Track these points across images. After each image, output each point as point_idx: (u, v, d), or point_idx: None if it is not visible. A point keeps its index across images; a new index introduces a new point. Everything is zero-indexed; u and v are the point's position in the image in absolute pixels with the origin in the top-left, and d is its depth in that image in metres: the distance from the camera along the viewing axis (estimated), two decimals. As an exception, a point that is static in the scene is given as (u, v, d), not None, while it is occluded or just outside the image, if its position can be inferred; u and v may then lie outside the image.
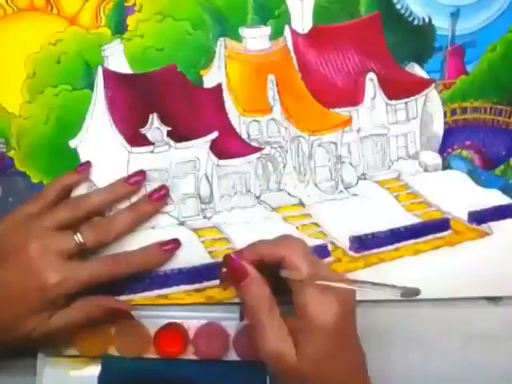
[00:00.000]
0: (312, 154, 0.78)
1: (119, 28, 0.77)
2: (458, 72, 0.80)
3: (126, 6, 0.77)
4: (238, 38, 0.78)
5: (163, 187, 0.76)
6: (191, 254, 0.76)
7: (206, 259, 0.76)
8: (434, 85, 0.79)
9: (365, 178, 0.79)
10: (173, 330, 0.75)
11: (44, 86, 0.76)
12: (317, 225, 0.78)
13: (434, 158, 0.80)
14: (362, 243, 0.78)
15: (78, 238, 0.70)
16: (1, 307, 0.69)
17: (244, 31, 0.78)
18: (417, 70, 0.79)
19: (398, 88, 0.79)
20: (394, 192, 0.80)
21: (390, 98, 0.79)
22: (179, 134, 0.77)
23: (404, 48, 0.79)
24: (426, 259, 0.78)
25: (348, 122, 0.79)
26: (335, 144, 0.78)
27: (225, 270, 0.70)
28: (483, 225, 0.79)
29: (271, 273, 0.67)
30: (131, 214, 0.74)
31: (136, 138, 0.76)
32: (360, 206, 0.79)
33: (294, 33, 0.78)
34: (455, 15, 0.79)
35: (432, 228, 0.79)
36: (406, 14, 0.79)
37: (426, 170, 0.80)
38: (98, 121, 0.76)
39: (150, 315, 0.76)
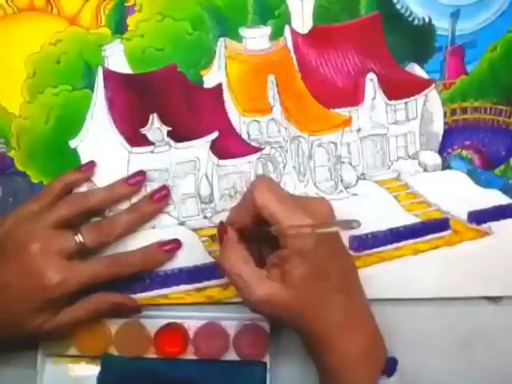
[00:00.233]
0: (312, 153, 0.78)
1: (119, 28, 0.77)
2: (457, 72, 0.79)
3: (126, 6, 0.77)
4: (238, 38, 0.78)
5: (164, 188, 0.76)
6: (191, 254, 0.76)
7: (206, 259, 0.77)
8: (433, 85, 0.79)
9: (364, 178, 0.79)
10: (173, 330, 0.75)
11: (44, 86, 0.76)
12: (317, 225, 0.78)
13: (433, 158, 0.80)
14: (362, 243, 0.78)
15: (79, 238, 0.71)
16: (3, 307, 0.69)
17: (244, 31, 0.78)
18: (417, 70, 0.79)
19: (398, 88, 0.79)
20: (393, 192, 0.80)
21: (390, 98, 0.79)
22: (179, 134, 0.77)
23: (404, 48, 0.79)
24: (425, 259, 0.78)
25: (348, 122, 0.79)
26: (335, 144, 0.78)
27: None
28: (483, 225, 0.79)
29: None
30: (132, 215, 0.74)
31: (136, 138, 0.76)
32: (360, 206, 0.78)
33: (294, 33, 0.78)
34: (455, 15, 0.79)
35: (432, 228, 0.79)
36: (406, 14, 0.79)
37: (425, 170, 0.80)
38: (98, 121, 0.76)
39: (150, 315, 0.76)
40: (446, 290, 0.77)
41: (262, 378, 0.74)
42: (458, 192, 0.79)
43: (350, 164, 0.79)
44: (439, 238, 0.79)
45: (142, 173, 0.76)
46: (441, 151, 0.80)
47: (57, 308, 0.70)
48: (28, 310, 0.69)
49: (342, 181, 0.79)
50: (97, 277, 0.71)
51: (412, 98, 0.80)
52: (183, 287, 0.76)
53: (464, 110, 0.80)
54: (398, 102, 0.79)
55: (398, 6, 0.79)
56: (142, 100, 0.76)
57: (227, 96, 0.78)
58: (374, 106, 0.79)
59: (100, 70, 0.76)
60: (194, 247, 0.77)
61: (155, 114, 0.76)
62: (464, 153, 0.80)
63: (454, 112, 0.80)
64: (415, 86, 0.79)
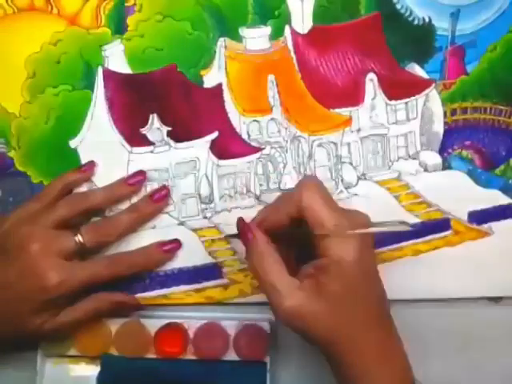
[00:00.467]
0: (312, 153, 0.78)
1: (119, 28, 0.77)
2: (458, 72, 0.79)
3: (126, 6, 0.77)
4: (238, 38, 0.78)
5: (164, 188, 0.76)
6: (191, 254, 0.76)
7: (206, 259, 0.77)
8: (434, 85, 0.79)
9: (365, 178, 0.79)
10: (173, 330, 0.75)
11: (44, 86, 0.76)
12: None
13: (434, 158, 0.80)
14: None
15: (79, 238, 0.71)
16: (2, 306, 0.69)
17: (244, 31, 0.78)
18: (417, 70, 0.79)
19: (398, 88, 0.79)
20: (394, 192, 0.79)
21: (390, 98, 0.79)
22: (179, 134, 0.77)
23: (404, 48, 0.79)
24: (426, 259, 0.78)
25: (348, 122, 0.79)
26: (335, 144, 0.78)
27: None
28: (483, 225, 0.79)
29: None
30: (132, 215, 0.74)
31: (136, 138, 0.76)
32: (360, 206, 0.78)
33: (294, 33, 0.78)
34: (455, 15, 0.79)
35: (432, 228, 0.79)
36: (406, 14, 0.79)
37: (426, 170, 0.80)
38: (98, 121, 0.76)
39: (150, 315, 0.76)
40: (446, 290, 0.77)
41: (262, 378, 0.74)
42: (458, 192, 0.79)
43: (351, 164, 0.79)
44: (440, 239, 0.79)
45: (142, 173, 0.76)
46: (441, 151, 0.80)
47: (57, 308, 0.70)
48: (28, 310, 0.69)
49: (342, 181, 0.79)
50: (96, 277, 0.71)
51: (412, 98, 0.79)
52: (183, 287, 0.76)
53: (464, 110, 0.80)
54: (399, 102, 0.79)
55: (398, 6, 0.79)
56: (141, 100, 0.76)
57: (227, 96, 0.78)
58: (375, 106, 0.79)
59: (100, 70, 0.76)
60: (194, 247, 0.77)
61: (155, 114, 0.76)
62: (464, 153, 0.80)
63: (454, 112, 0.80)
64: (415, 86, 0.79)
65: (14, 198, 0.77)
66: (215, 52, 0.77)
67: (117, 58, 0.77)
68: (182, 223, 0.77)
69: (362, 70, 0.79)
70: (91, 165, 0.76)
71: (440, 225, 0.79)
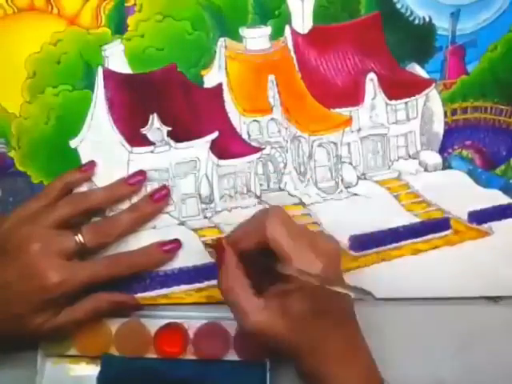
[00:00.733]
0: (312, 153, 0.78)
1: (119, 28, 0.77)
2: (458, 72, 0.79)
3: (126, 6, 0.77)
4: (239, 38, 0.78)
5: (164, 187, 0.76)
6: (191, 254, 0.77)
7: (206, 259, 0.77)
8: (434, 85, 0.79)
9: (365, 178, 0.79)
10: (173, 330, 0.75)
11: (44, 86, 0.76)
12: (317, 224, 0.78)
13: (434, 158, 0.80)
14: (362, 243, 0.78)
15: (79, 238, 0.71)
16: (3, 306, 0.69)
17: (244, 31, 0.78)
18: (417, 69, 0.79)
19: (398, 88, 0.79)
20: (394, 192, 0.80)
21: (390, 97, 0.79)
22: (179, 134, 0.77)
23: (404, 48, 0.79)
24: (425, 259, 0.78)
25: (348, 122, 0.79)
26: (335, 144, 0.79)
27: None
28: (483, 224, 0.79)
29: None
30: (132, 215, 0.74)
31: (136, 138, 0.76)
32: (360, 206, 0.79)
33: (294, 33, 0.78)
34: (456, 15, 0.79)
35: (432, 227, 0.79)
36: (407, 14, 0.79)
37: (426, 170, 0.80)
38: (98, 121, 0.76)
39: (150, 315, 0.76)
40: (446, 289, 0.77)
41: (262, 378, 0.74)
42: (458, 192, 0.79)
43: (351, 164, 0.79)
44: (439, 238, 0.79)
45: (142, 172, 0.76)
46: (441, 151, 0.80)
47: (57, 308, 0.70)
48: (28, 309, 0.69)
49: (342, 181, 0.79)
50: (97, 277, 0.71)
51: (412, 97, 0.80)
52: (183, 287, 0.76)
53: (464, 110, 0.80)
54: (399, 101, 0.79)
55: (399, 6, 0.79)
56: (142, 100, 0.76)
57: (227, 96, 0.78)
58: (375, 106, 0.79)
59: (100, 70, 0.76)
60: (194, 247, 0.77)
61: (155, 114, 0.76)
62: (464, 152, 0.80)
63: (454, 112, 0.80)
64: (415, 86, 0.79)
65: (14, 197, 0.77)
66: (215, 52, 0.77)
67: (117, 58, 0.77)
68: (182, 223, 0.77)
69: (362, 70, 0.79)
70: (91, 165, 0.76)
71: (440, 224, 0.79)
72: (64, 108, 0.77)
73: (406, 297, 0.77)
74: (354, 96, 0.79)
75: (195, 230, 0.77)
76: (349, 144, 0.79)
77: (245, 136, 0.78)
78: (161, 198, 0.76)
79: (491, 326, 0.77)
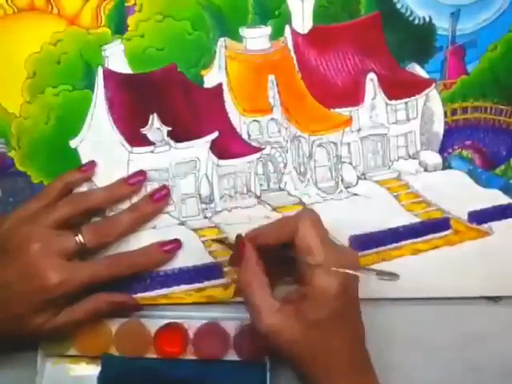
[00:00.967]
0: (312, 153, 0.78)
1: (119, 28, 0.77)
2: (458, 72, 0.79)
3: (126, 6, 0.77)
4: (239, 38, 0.78)
5: (164, 187, 0.76)
6: (191, 254, 0.77)
7: (206, 259, 0.77)
8: (434, 85, 0.79)
9: (365, 178, 0.79)
10: (173, 330, 0.75)
11: (44, 86, 0.76)
12: (317, 224, 0.78)
13: (434, 158, 0.80)
14: (362, 243, 0.78)
15: (79, 238, 0.71)
16: (3, 306, 0.69)
17: (244, 31, 0.78)
18: (417, 69, 0.79)
19: (398, 88, 0.79)
20: (394, 192, 0.80)
21: (390, 97, 0.79)
22: (179, 134, 0.77)
23: (404, 48, 0.79)
24: (425, 259, 0.78)
25: (348, 122, 0.79)
26: (335, 144, 0.79)
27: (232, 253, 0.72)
28: (483, 224, 0.79)
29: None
30: (132, 215, 0.74)
31: (136, 138, 0.76)
32: (360, 206, 0.79)
33: (294, 33, 0.78)
34: (455, 15, 0.79)
35: (432, 227, 0.79)
36: (407, 14, 0.79)
37: (426, 170, 0.80)
38: (98, 121, 0.76)
39: (150, 315, 0.76)
40: (446, 289, 0.77)
41: (262, 378, 0.74)
42: (458, 192, 0.79)
43: (351, 164, 0.79)
44: (439, 238, 0.79)
45: (142, 172, 0.76)
46: (441, 151, 0.80)
47: (57, 308, 0.70)
48: (28, 309, 0.69)
49: (342, 181, 0.79)
50: (97, 277, 0.71)
51: (412, 97, 0.80)
52: (183, 287, 0.76)
53: (464, 110, 0.80)
54: (399, 101, 0.79)
55: (399, 6, 0.79)
56: (142, 100, 0.76)
57: (227, 96, 0.78)
58: (375, 106, 0.79)
59: (100, 70, 0.76)
60: (195, 247, 0.77)
61: (155, 114, 0.76)
62: (464, 152, 0.80)
63: (454, 112, 0.80)
64: (415, 86, 0.79)
65: (14, 198, 0.77)
66: (215, 52, 0.77)
67: (117, 58, 0.77)
68: (182, 223, 0.77)
69: (362, 70, 0.79)
70: (91, 165, 0.76)
71: (440, 224, 0.79)
72: (64, 108, 0.77)
73: (406, 297, 0.77)
74: (354, 96, 0.79)
75: (195, 230, 0.77)
76: (349, 144, 0.79)
77: (245, 136, 0.78)
78: (161, 197, 0.76)
79: (491, 326, 0.77)
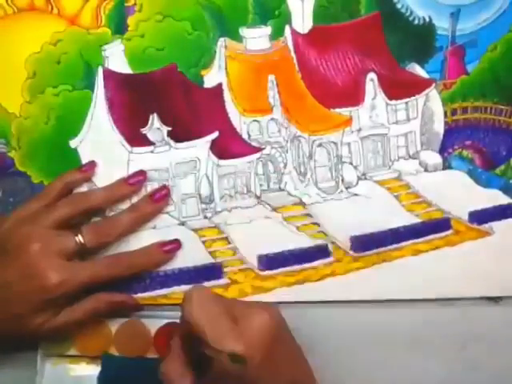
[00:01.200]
0: (312, 153, 0.78)
1: (119, 28, 0.77)
2: (458, 72, 0.79)
3: (126, 6, 0.77)
4: (239, 38, 0.78)
5: (164, 187, 0.76)
6: (191, 254, 0.76)
7: (207, 259, 0.77)
8: (434, 85, 0.79)
9: (365, 178, 0.79)
10: (173, 330, 0.75)
11: (44, 86, 0.76)
12: (317, 225, 0.78)
13: (434, 158, 0.80)
14: (363, 243, 0.78)
15: (79, 238, 0.71)
16: (3, 306, 0.69)
17: (244, 31, 0.78)
18: (417, 69, 0.79)
19: (399, 88, 0.79)
20: (394, 192, 0.80)
21: (391, 97, 0.79)
22: (179, 134, 0.77)
23: (404, 48, 0.79)
24: (426, 259, 0.78)
25: (348, 122, 0.79)
26: (335, 144, 0.79)
27: None
28: (484, 225, 0.79)
29: None
30: (132, 215, 0.74)
31: (136, 138, 0.76)
32: (360, 206, 0.78)
33: (294, 33, 0.78)
34: (455, 15, 0.79)
35: (432, 228, 0.79)
36: (407, 14, 0.79)
37: (426, 170, 0.80)
38: (98, 121, 0.76)
39: (150, 315, 0.76)
40: (446, 289, 0.77)
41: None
42: (458, 192, 0.79)
43: (351, 164, 0.79)
44: (440, 238, 0.79)
45: (142, 172, 0.76)
46: (441, 151, 0.80)
47: (57, 308, 0.70)
48: (28, 309, 0.69)
49: (342, 181, 0.79)
50: (97, 277, 0.71)
51: (412, 97, 0.80)
52: (183, 287, 0.76)
53: (464, 110, 0.80)
54: (399, 101, 0.79)
55: (399, 6, 0.79)
56: (142, 100, 0.76)
57: (227, 96, 0.78)
58: (375, 106, 0.79)
59: (100, 70, 0.76)
60: (195, 247, 0.77)
61: (155, 114, 0.76)
62: (464, 153, 0.80)
63: (454, 112, 0.80)
64: (416, 86, 0.79)
65: (15, 198, 0.77)
66: (215, 52, 0.77)
67: (117, 58, 0.77)
68: (182, 223, 0.77)
69: (363, 70, 0.79)
70: (91, 165, 0.76)
71: (440, 224, 0.79)
72: (64, 108, 0.77)
73: (405, 298, 0.77)
74: (354, 96, 0.79)
75: (195, 230, 0.77)
76: (349, 144, 0.79)
77: (245, 136, 0.78)
78: (161, 198, 0.76)
79: (491, 326, 0.77)
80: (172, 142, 0.76)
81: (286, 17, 0.78)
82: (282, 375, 0.63)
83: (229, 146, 0.78)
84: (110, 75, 0.76)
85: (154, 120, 0.76)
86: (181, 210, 0.77)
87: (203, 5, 0.77)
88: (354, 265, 0.77)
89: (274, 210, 0.78)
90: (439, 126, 0.80)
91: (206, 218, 0.77)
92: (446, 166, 0.80)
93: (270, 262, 0.77)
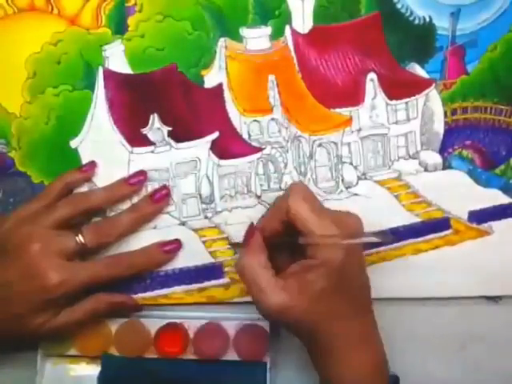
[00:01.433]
0: (312, 153, 0.78)
1: (120, 28, 0.77)
2: (458, 72, 0.79)
3: (127, 6, 0.77)
4: (239, 38, 0.78)
5: (164, 187, 0.76)
6: (192, 254, 0.77)
7: (207, 259, 0.77)
8: (434, 85, 0.79)
9: (365, 178, 0.79)
10: (173, 330, 0.75)
11: (44, 87, 0.76)
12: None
13: (434, 158, 0.80)
14: (363, 243, 0.78)
15: (80, 238, 0.71)
16: (3, 306, 0.69)
17: (244, 31, 0.78)
18: (417, 69, 0.79)
19: (399, 88, 0.79)
20: (394, 192, 0.80)
21: (391, 97, 0.79)
22: (180, 134, 0.77)
23: (404, 48, 0.79)
24: (426, 258, 0.78)
25: (348, 121, 0.79)
26: (336, 144, 0.78)
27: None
28: (483, 224, 0.79)
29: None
30: (133, 215, 0.75)
31: (137, 138, 0.76)
32: (361, 206, 0.78)
33: (294, 33, 0.78)
34: (455, 15, 0.79)
35: (432, 227, 0.79)
36: (407, 14, 0.79)
37: (426, 170, 0.80)
38: (98, 121, 0.76)
39: (150, 315, 0.76)
40: (446, 289, 0.77)
41: (262, 378, 0.74)
42: (458, 191, 0.79)
43: (351, 164, 0.79)
44: (440, 238, 0.79)
45: (142, 172, 0.76)
46: (441, 151, 0.80)
47: (57, 308, 0.71)
48: (28, 309, 0.69)
49: (342, 181, 0.79)
50: (97, 277, 0.71)
51: (413, 97, 0.79)
52: (184, 287, 0.77)
53: (464, 110, 0.80)
54: (399, 101, 0.79)
55: (399, 6, 0.79)
56: (142, 100, 0.76)
57: (228, 96, 0.78)
58: (375, 106, 0.79)
59: (100, 70, 0.76)
60: (195, 247, 0.77)
61: (155, 114, 0.76)
62: (464, 152, 0.80)
63: (454, 112, 0.80)
64: (416, 86, 0.79)
65: (15, 198, 0.77)
66: (216, 52, 0.77)
67: (117, 58, 0.77)
68: (182, 223, 0.77)
69: (363, 70, 0.79)
70: (92, 165, 0.76)
71: (440, 224, 0.79)
72: (64, 108, 0.77)
73: (406, 296, 0.78)
74: (354, 96, 0.79)
75: (196, 230, 0.77)
76: (349, 144, 0.79)
77: (245, 136, 0.78)
78: (161, 198, 0.76)
79: (491, 326, 0.77)
80: (172, 142, 0.76)
81: (286, 17, 0.78)
82: (362, 275, 0.70)
83: (229, 146, 0.78)
84: (110, 75, 0.76)
85: (155, 120, 0.76)
86: (181, 210, 0.77)
87: (203, 5, 0.77)
88: (354, 264, 0.77)
89: (275, 209, 0.78)
90: (439, 126, 0.80)
91: (206, 217, 0.78)
92: (446, 165, 0.80)
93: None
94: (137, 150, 0.76)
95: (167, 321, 0.75)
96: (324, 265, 0.65)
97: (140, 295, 0.76)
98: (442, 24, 0.79)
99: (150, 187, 0.76)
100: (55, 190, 0.74)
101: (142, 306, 0.76)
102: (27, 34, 0.77)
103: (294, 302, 0.65)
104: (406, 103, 0.79)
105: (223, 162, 0.77)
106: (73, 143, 0.77)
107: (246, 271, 0.67)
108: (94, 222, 0.75)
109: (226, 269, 0.77)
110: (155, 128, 0.76)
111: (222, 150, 0.77)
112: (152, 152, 0.76)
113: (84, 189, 0.76)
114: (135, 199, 0.76)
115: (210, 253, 0.77)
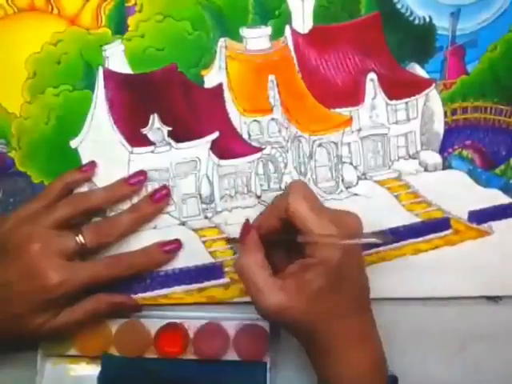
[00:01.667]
0: (312, 153, 0.78)
1: (120, 28, 0.77)
2: (458, 72, 0.79)
3: (127, 6, 0.77)
4: (239, 38, 0.78)
5: (164, 187, 0.76)
6: (192, 254, 0.77)
7: (207, 259, 0.77)
8: (434, 85, 0.79)
9: (365, 178, 0.79)
10: (173, 330, 0.75)
11: (44, 87, 0.76)
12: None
13: (434, 158, 0.80)
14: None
15: (80, 238, 0.71)
16: (3, 306, 0.69)
17: (244, 31, 0.78)
18: (417, 69, 0.79)
19: (399, 88, 0.79)
20: (394, 192, 0.80)
21: (391, 97, 0.79)
22: (180, 134, 0.77)
23: (404, 48, 0.79)
24: (426, 258, 0.78)
25: (348, 121, 0.79)
26: (336, 144, 0.79)
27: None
28: (483, 224, 0.79)
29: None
30: (133, 215, 0.75)
31: (137, 138, 0.76)
32: (361, 206, 0.78)
33: (294, 33, 0.78)
34: (456, 15, 0.79)
35: (432, 227, 0.79)
36: (407, 14, 0.79)
37: (426, 170, 0.80)
38: (98, 121, 0.76)
39: (150, 315, 0.76)
40: (446, 289, 0.77)
41: (262, 378, 0.74)
42: (458, 192, 0.79)
43: (351, 164, 0.79)
44: (440, 238, 0.79)
45: (142, 172, 0.76)
46: (441, 151, 0.80)
47: (57, 308, 0.71)
48: (28, 309, 0.69)
49: (342, 181, 0.79)
50: (97, 277, 0.71)
51: (413, 97, 0.79)
52: (184, 287, 0.77)
53: (464, 110, 0.80)
54: (399, 101, 0.79)
55: (399, 6, 0.79)
56: (142, 100, 0.76)
57: (228, 96, 0.78)
58: (375, 106, 0.79)
59: (100, 70, 0.76)
60: (195, 247, 0.77)
61: (156, 114, 0.76)
62: (464, 152, 0.80)
63: (454, 112, 0.80)
64: (416, 86, 0.79)
65: (15, 198, 0.77)
66: (216, 52, 0.77)
67: (117, 58, 0.77)
68: (182, 223, 0.77)
69: (363, 70, 0.79)
70: (92, 165, 0.76)
71: (440, 224, 0.79)
72: (64, 108, 0.77)
73: (406, 297, 0.77)
74: (354, 96, 0.79)
75: (196, 230, 0.77)
76: (349, 144, 0.79)
77: (245, 136, 0.78)
78: (161, 198, 0.76)
79: (491, 326, 0.77)
80: (172, 142, 0.76)
81: (286, 17, 0.78)
82: (361, 274, 0.70)
83: (229, 146, 0.78)
84: (110, 75, 0.76)
85: (155, 120, 0.76)
86: (181, 210, 0.77)
87: (203, 5, 0.77)
88: (354, 264, 0.77)
89: (275, 209, 0.78)
90: (439, 126, 0.80)
91: (206, 217, 0.78)
92: (446, 165, 0.80)
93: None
94: (137, 149, 0.76)
95: (167, 321, 0.75)
96: (322, 264, 0.65)
97: (140, 295, 0.76)
98: (442, 24, 0.79)
99: (150, 187, 0.76)
100: (55, 190, 0.74)
101: (141, 306, 0.76)
102: (27, 34, 0.77)
103: (292, 302, 0.65)
104: (406, 103, 0.79)
105: (223, 162, 0.77)
106: (73, 143, 0.77)
107: (244, 271, 0.68)
108: (94, 222, 0.75)
109: (225, 269, 0.77)
110: (155, 128, 0.76)
111: (222, 150, 0.77)
112: (152, 152, 0.76)
113: (84, 189, 0.76)
114: (135, 199, 0.76)
115: (210, 253, 0.77)
